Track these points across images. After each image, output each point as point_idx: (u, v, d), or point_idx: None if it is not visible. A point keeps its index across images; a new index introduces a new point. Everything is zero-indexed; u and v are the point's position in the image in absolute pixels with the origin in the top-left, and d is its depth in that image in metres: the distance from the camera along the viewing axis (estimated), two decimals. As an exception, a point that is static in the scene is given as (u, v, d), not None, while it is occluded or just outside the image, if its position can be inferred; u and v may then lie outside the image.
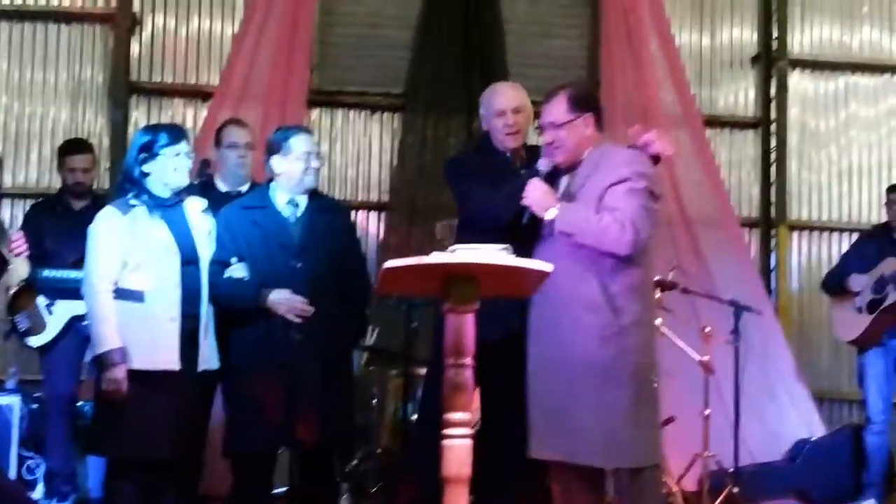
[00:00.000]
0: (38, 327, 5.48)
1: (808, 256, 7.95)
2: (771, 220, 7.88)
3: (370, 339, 5.95)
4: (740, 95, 8.01)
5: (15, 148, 7.25)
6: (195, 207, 4.47)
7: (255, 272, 4.38)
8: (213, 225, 4.46)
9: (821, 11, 8.05)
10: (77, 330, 5.41)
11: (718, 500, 5.84)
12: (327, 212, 4.60)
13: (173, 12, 7.46)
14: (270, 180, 4.57)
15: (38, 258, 5.30)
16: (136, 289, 4.22)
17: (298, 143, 4.48)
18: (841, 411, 7.71)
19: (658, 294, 5.94)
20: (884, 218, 6.59)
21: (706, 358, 5.98)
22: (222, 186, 5.11)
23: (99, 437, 4.36)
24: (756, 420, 6.56)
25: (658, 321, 5.82)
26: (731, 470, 5.97)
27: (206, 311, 4.34)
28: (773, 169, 7.89)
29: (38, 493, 5.66)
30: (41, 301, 5.47)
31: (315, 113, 7.51)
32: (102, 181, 6.89)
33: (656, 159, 4.05)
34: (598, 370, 3.73)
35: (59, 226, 5.56)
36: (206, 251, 4.39)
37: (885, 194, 6.53)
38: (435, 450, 3.19)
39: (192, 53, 7.46)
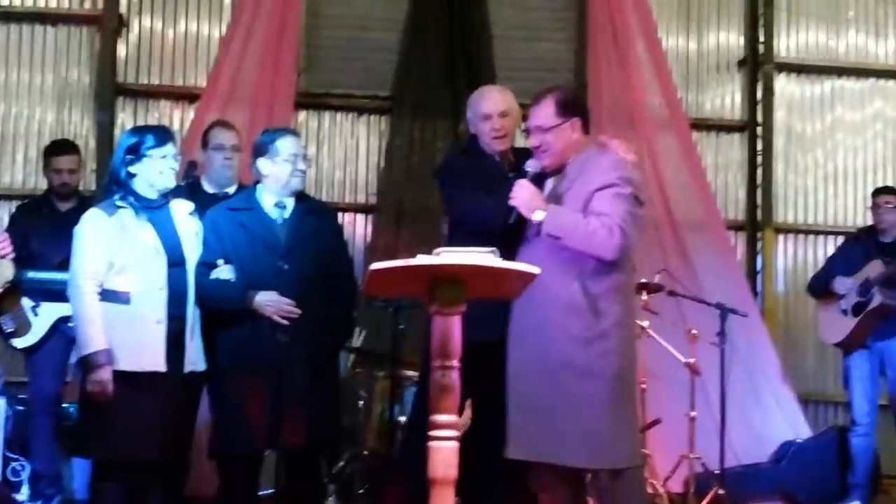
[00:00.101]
0: (23, 329, 5.45)
1: (794, 259, 7.99)
2: (757, 223, 7.91)
3: (357, 340, 5.95)
4: (727, 99, 8.04)
5: (0, 149, 7.22)
6: (182, 209, 4.47)
7: (242, 274, 4.38)
8: (200, 227, 4.45)
9: (807, 16, 8.08)
10: (62, 331, 5.40)
11: (704, 502, 5.87)
12: (314, 214, 4.60)
13: (160, 14, 7.45)
14: (257, 182, 4.57)
15: (24, 259, 5.29)
16: (122, 290, 4.21)
17: (285, 146, 4.48)
18: (826, 413, 7.75)
19: (645, 296, 5.98)
20: (869, 221, 6.63)
21: (692, 360, 6.01)
22: (209, 188, 5.11)
23: (84, 438, 4.34)
24: (742, 422, 6.57)
25: (645, 323, 5.86)
26: (717, 472, 5.99)
27: (192, 312, 4.33)
28: (759, 172, 7.92)
29: (23, 495, 5.65)
30: (26, 303, 5.44)
31: (302, 115, 7.51)
32: (89, 183, 6.87)
33: None
34: (580, 372, 3.75)
35: (44, 227, 5.54)
36: (192, 253, 4.38)
37: (870, 197, 6.58)
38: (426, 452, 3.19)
39: (178, 55, 7.46)
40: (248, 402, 4.28)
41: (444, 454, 3.14)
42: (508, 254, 3.65)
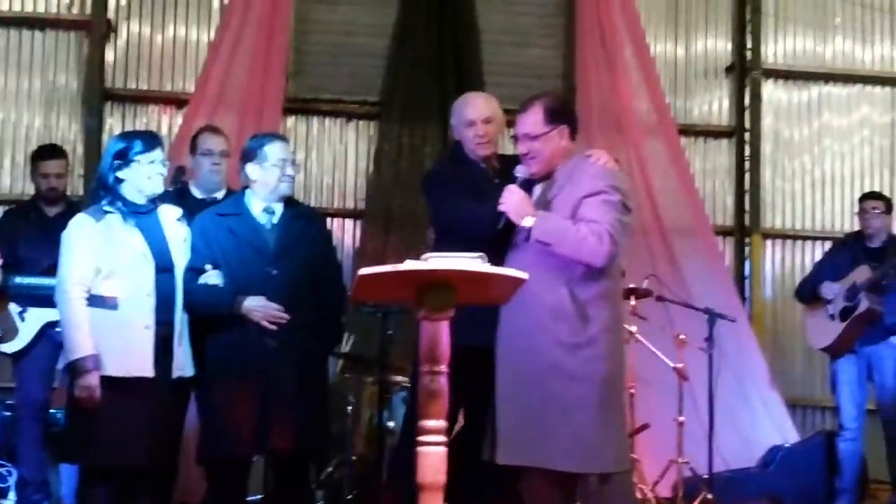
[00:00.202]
0: (10, 334, 5.43)
1: (782, 264, 8.01)
2: (745, 229, 7.94)
3: (345, 346, 5.94)
4: (715, 105, 8.07)
5: (-12, 154, 7.22)
6: (170, 215, 4.46)
7: (231, 279, 4.37)
8: (188, 232, 4.45)
9: (794, 22, 8.12)
10: (50, 337, 5.38)
11: (692, 507, 5.88)
12: (303, 219, 4.59)
13: (148, 19, 7.45)
14: (246, 187, 4.57)
15: (12, 265, 5.26)
16: (110, 296, 4.20)
17: (274, 151, 4.48)
18: (814, 418, 7.77)
19: (633, 302, 5.99)
20: (856, 226, 6.65)
21: (680, 365, 6.03)
22: (197, 193, 5.10)
23: (72, 444, 4.32)
24: (730, 426, 6.59)
25: (633, 328, 5.87)
26: (706, 476, 6.01)
27: (180, 318, 4.32)
28: (747, 178, 7.95)
29: (10, 501, 5.62)
30: (13, 308, 5.42)
31: (291, 120, 7.52)
32: (76, 188, 6.86)
33: None
34: (568, 376, 3.75)
35: (32, 232, 5.52)
36: (180, 258, 4.37)
37: (857, 203, 6.60)
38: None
39: (167, 60, 7.45)
40: (237, 408, 4.27)
41: (432, 459, 3.14)
42: (496, 259, 3.65)
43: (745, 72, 7.99)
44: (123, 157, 4.30)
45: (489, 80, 7.28)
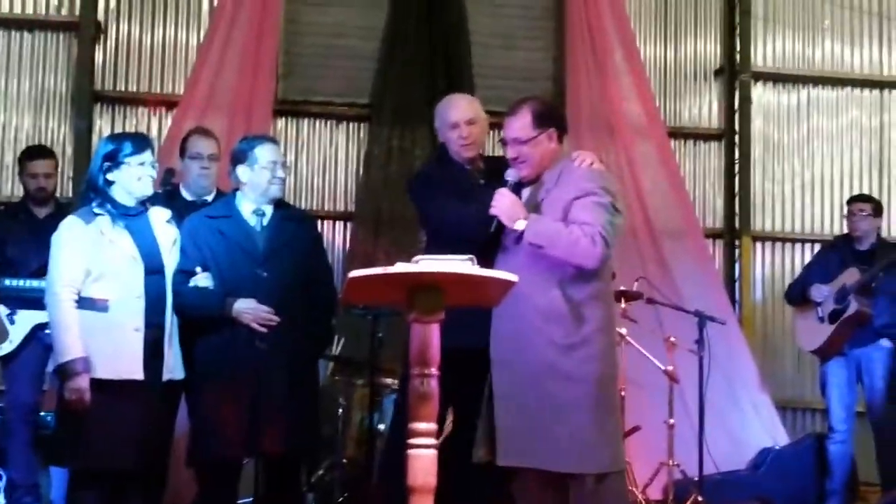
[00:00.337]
0: (-1, 337, 5.43)
1: (772, 267, 8.03)
2: (735, 231, 7.96)
3: (336, 348, 5.94)
4: (704, 108, 8.09)
5: (-23, 156, 7.20)
6: (160, 217, 4.45)
7: (221, 281, 4.36)
8: (178, 234, 4.44)
9: (783, 25, 8.15)
10: (39, 339, 5.36)
11: (683, 509, 5.89)
12: (293, 221, 4.59)
13: (138, 20, 7.43)
14: (236, 189, 4.56)
15: (1, 266, 5.25)
16: (100, 298, 4.19)
17: (264, 153, 4.47)
18: (804, 420, 7.79)
19: (623, 304, 5.99)
20: (845, 229, 6.66)
21: (671, 367, 6.03)
22: (187, 195, 5.08)
23: (61, 447, 4.31)
24: (720, 429, 6.60)
25: (623, 331, 5.88)
26: (696, 478, 6.01)
27: (170, 320, 4.32)
28: (736, 180, 7.97)
29: (-1, 504, 5.61)
30: (2, 310, 5.41)
31: (281, 123, 7.51)
32: (66, 190, 6.84)
33: None
34: (563, 377, 3.76)
35: (21, 234, 5.51)
36: (170, 261, 4.36)
37: (846, 205, 6.61)
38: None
39: (156, 62, 7.43)
40: (227, 410, 4.26)
41: (423, 462, 3.14)
42: (486, 262, 3.65)
43: (734, 75, 8.01)
44: (113, 159, 4.29)
45: (479, 82, 7.29)
